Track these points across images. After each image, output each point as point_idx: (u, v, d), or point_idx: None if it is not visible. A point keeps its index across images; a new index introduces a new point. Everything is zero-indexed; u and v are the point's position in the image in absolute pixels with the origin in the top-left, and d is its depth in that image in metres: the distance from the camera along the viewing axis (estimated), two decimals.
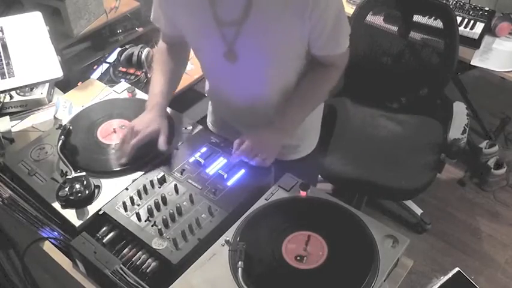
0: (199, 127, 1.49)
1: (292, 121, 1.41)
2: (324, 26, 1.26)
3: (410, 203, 2.65)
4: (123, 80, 2.02)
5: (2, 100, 1.67)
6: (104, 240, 1.20)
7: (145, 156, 1.38)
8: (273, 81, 1.40)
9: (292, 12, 1.22)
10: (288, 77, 1.40)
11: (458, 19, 2.46)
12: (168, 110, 1.55)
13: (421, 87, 2.41)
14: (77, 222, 1.22)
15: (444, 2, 2.56)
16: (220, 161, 1.36)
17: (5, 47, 1.59)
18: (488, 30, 2.49)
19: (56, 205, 1.26)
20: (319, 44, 1.32)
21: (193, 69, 2.25)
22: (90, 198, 1.26)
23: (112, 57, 2.20)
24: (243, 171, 1.33)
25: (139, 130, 1.37)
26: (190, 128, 1.48)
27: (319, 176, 2.17)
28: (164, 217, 1.20)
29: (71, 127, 1.44)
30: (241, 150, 1.33)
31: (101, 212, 1.24)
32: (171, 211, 1.22)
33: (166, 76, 1.49)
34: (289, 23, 1.25)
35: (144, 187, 1.29)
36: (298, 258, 1.12)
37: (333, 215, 1.23)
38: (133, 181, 1.32)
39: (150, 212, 1.23)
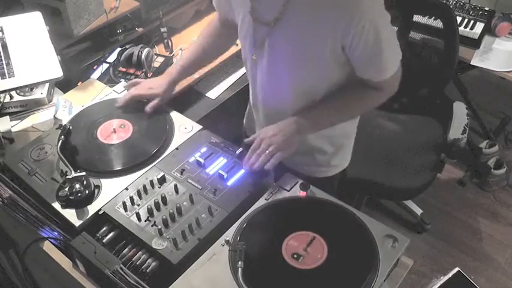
0: (199, 127, 1.49)
1: (313, 121, 1.33)
2: (364, 46, 1.19)
3: (410, 203, 2.65)
4: (123, 80, 2.01)
5: (2, 100, 1.67)
6: (104, 240, 1.20)
7: (144, 156, 1.38)
8: (297, 86, 1.35)
9: (326, 20, 1.18)
10: (315, 85, 1.34)
11: (458, 19, 2.47)
12: (168, 109, 1.55)
13: (421, 87, 2.41)
14: (76, 222, 1.22)
15: (444, 2, 2.56)
16: (220, 161, 1.36)
17: (5, 47, 1.59)
18: (488, 30, 2.49)
19: (56, 205, 1.26)
20: (360, 65, 1.26)
21: None
22: (90, 198, 1.26)
23: (112, 57, 2.19)
24: (243, 171, 1.33)
25: (144, 86, 1.55)
26: (190, 128, 1.48)
27: None
28: (164, 217, 1.20)
29: (71, 127, 1.44)
30: (252, 147, 1.29)
31: (101, 212, 1.25)
32: (171, 211, 1.22)
33: (196, 53, 1.58)
34: (320, 31, 1.20)
35: (144, 187, 1.29)
36: (298, 257, 1.12)
37: (333, 215, 1.23)
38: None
39: (150, 212, 1.23)
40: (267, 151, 1.27)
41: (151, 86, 1.55)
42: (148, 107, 1.51)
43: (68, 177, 1.26)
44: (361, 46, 1.19)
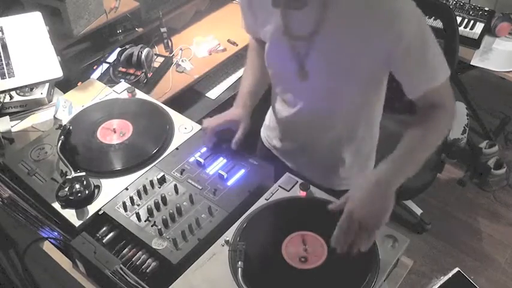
0: (199, 127, 1.49)
1: (393, 179, 1.25)
2: (413, 46, 1.13)
3: (410, 203, 2.65)
4: (123, 80, 2.01)
5: (2, 100, 1.67)
6: (104, 240, 1.20)
7: (144, 156, 1.38)
8: (343, 105, 1.30)
9: (370, 26, 1.12)
10: (361, 102, 1.31)
11: (458, 19, 2.47)
12: (168, 109, 1.55)
13: None
14: (76, 222, 1.22)
15: (444, 2, 2.56)
16: (220, 161, 1.36)
17: (5, 47, 1.59)
18: (488, 30, 2.49)
19: (56, 205, 1.26)
20: (409, 73, 1.19)
21: (193, 69, 2.25)
22: (90, 198, 1.26)
23: (112, 57, 2.20)
24: (243, 171, 1.33)
25: (218, 117, 1.41)
26: (190, 128, 1.48)
27: None
28: (164, 217, 1.20)
29: (71, 127, 1.44)
30: (341, 226, 1.10)
31: (100, 212, 1.25)
32: (171, 211, 1.22)
33: (256, 76, 1.47)
34: (364, 38, 1.14)
35: (144, 187, 1.29)
36: (298, 258, 1.12)
37: (333, 215, 1.23)
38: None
39: (150, 212, 1.23)
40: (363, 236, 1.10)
41: (226, 115, 1.42)
42: (234, 143, 1.37)
43: (67, 177, 1.26)
44: (409, 46, 1.13)
